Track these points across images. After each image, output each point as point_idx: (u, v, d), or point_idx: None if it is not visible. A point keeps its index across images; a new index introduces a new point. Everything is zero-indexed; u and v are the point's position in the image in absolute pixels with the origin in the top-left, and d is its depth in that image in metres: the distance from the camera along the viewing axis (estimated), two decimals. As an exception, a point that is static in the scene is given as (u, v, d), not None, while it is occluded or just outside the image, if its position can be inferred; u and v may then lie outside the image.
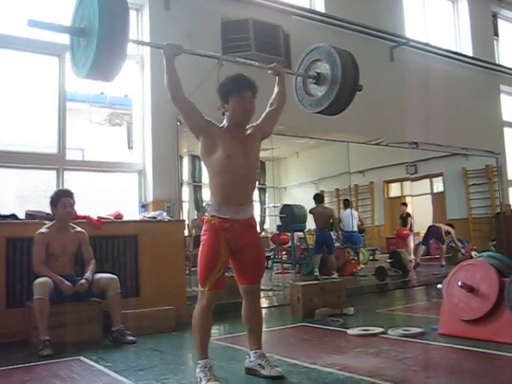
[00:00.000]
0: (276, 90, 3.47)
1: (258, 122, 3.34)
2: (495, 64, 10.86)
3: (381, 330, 4.35)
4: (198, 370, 3.04)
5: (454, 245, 10.41)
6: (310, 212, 8.83)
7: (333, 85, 3.55)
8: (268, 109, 3.42)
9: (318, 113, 3.76)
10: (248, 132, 3.26)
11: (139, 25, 6.51)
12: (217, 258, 3.05)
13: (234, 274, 3.29)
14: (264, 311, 6.04)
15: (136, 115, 6.48)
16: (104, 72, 2.90)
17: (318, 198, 9.07)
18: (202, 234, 3.16)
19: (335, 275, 8.39)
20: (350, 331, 4.41)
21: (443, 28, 10.43)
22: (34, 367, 3.61)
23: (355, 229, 9.59)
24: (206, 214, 3.16)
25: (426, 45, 9.42)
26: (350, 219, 9.48)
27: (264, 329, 5.06)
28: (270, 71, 3.48)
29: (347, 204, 9.80)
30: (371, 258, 10.88)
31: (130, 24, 2.85)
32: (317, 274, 8.27)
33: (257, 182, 3.45)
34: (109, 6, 2.73)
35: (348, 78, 3.56)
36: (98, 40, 2.69)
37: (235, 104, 3.13)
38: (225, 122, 3.22)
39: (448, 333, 4.15)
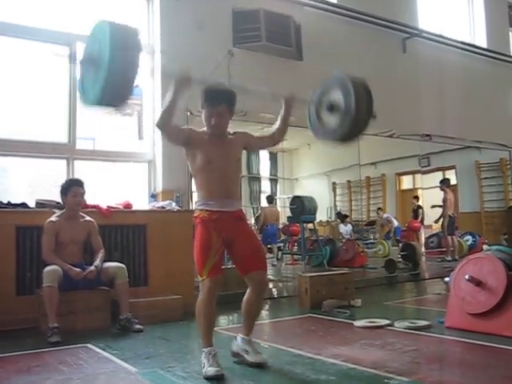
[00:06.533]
0: (280, 118, 3.47)
1: (251, 134, 3.45)
2: (510, 56, 10.72)
3: (387, 322, 4.36)
4: (202, 356, 3.13)
5: None
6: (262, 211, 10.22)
7: (346, 116, 3.37)
8: (267, 134, 3.50)
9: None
10: (231, 137, 3.35)
11: (150, 14, 6.51)
12: (209, 245, 3.14)
13: (237, 269, 3.33)
14: (273, 302, 6.08)
15: (146, 105, 6.50)
16: (112, 104, 2.90)
17: (269, 199, 10.49)
18: (194, 229, 3.26)
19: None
20: (357, 323, 4.42)
21: (457, 19, 10.32)
22: (41, 353, 3.66)
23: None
24: (196, 211, 3.27)
25: (440, 36, 9.33)
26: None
27: (271, 319, 5.14)
28: (282, 101, 3.45)
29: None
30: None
31: (139, 61, 2.76)
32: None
33: (240, 180, 3.61)
34: (120, 44, 2.67)
35: (361, 109, 3.37)
36: (106, 76, 2.64)
37: (204, 116, 3.26)
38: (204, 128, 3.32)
39: (454, 326, 4.14)
